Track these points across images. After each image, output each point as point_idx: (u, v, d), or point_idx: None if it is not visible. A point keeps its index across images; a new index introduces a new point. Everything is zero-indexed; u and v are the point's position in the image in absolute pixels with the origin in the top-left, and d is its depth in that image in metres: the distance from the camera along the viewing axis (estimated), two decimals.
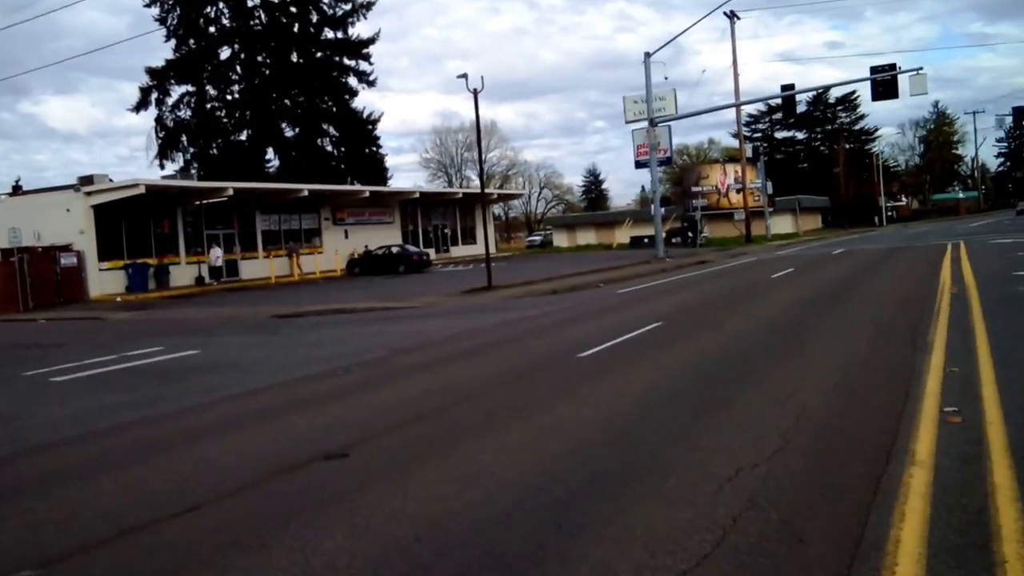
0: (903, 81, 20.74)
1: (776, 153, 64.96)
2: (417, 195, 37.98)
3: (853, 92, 63.76)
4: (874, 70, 21.20)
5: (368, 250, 31.00)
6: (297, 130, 42.74)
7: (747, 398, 5.34)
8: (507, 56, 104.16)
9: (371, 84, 44.17)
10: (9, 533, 3.72)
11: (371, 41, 43.26)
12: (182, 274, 26.70)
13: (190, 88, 41.00)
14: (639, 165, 28.71)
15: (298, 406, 6.33)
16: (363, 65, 43.55)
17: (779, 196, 48.25)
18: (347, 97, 43.68)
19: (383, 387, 6.91)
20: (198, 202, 27.65)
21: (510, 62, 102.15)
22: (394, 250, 29.99)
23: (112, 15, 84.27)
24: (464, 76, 17.39)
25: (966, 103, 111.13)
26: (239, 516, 3.71)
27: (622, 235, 45.09)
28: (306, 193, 30.08)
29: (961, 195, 74.78)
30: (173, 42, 40.32)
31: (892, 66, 20.98)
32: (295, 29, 41.82)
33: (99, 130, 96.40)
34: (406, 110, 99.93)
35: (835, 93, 62.76)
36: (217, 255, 26.79)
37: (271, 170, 42.43)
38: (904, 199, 77.14)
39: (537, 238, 59.66)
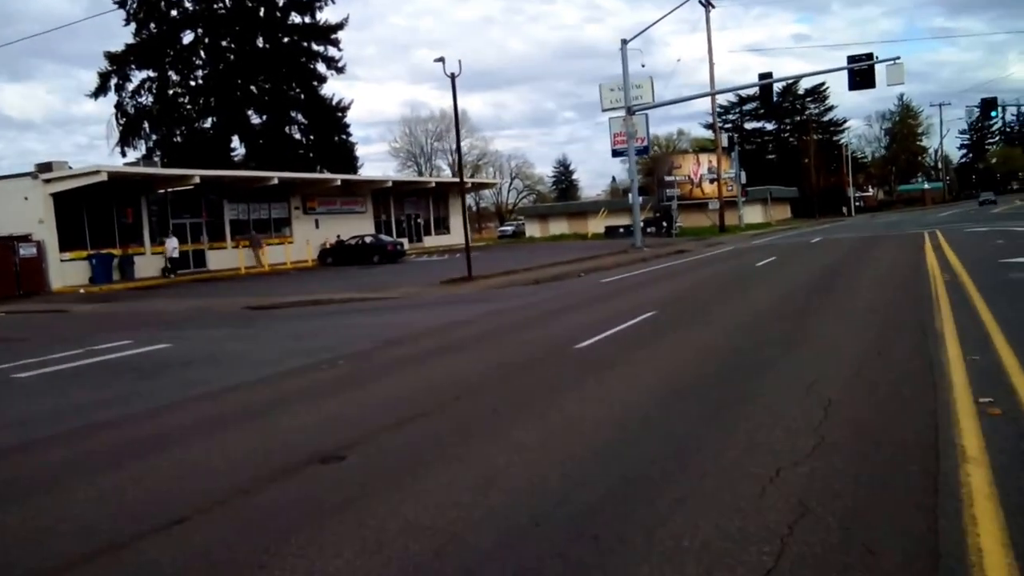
0: (880, 71, 20.98)
1: (746, 144, 65.81)
2: (390, 184, 37.17)
3: (822, 83, 64.96)
4: (851, 59, 21.38)
5: (340, 240, 30.24)
6: (264, 117, 41.40)
7: (766, 389, 5.11)
8: (476, 45, 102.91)
9: (340, 71, 43.01)
10: None
11: (339, 26, 42.06)
12: (148, 265, 25.56)
13: (151, 73, 39.38)
14: (616, 153, 28.55)
15: (284, 403, 5.87)
16: (331, 51, 42.36)
17: (749, 186, 48.88)
18: (315, 84, 42.46)
19: (373, 382, 6.50)
20: (163, 190, 26.44)
21: (479, 51, 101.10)
22: (368, 240, 29.31)
23: (68, 0, 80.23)
24: (441, 60, 16.88)
25: (929, 96, 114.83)
26: (232, 530, 3.29)
27: (596, 225, 45.08)
28: (276, 181, 29.09)
29: (927, 186, 76.75)
30: (133, 26, 38.63)
31: (869, 55, 21.16)
32: (261, 13, 40.35)
33: (56, 118, 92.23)
34: (373, 99, 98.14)
35: (804, 84, 63.75)
36: (173, 246, 25.21)
37: (237, 158, 41.07)
38: (871, 190, 79.19)
39: (509, 228, 59.26)
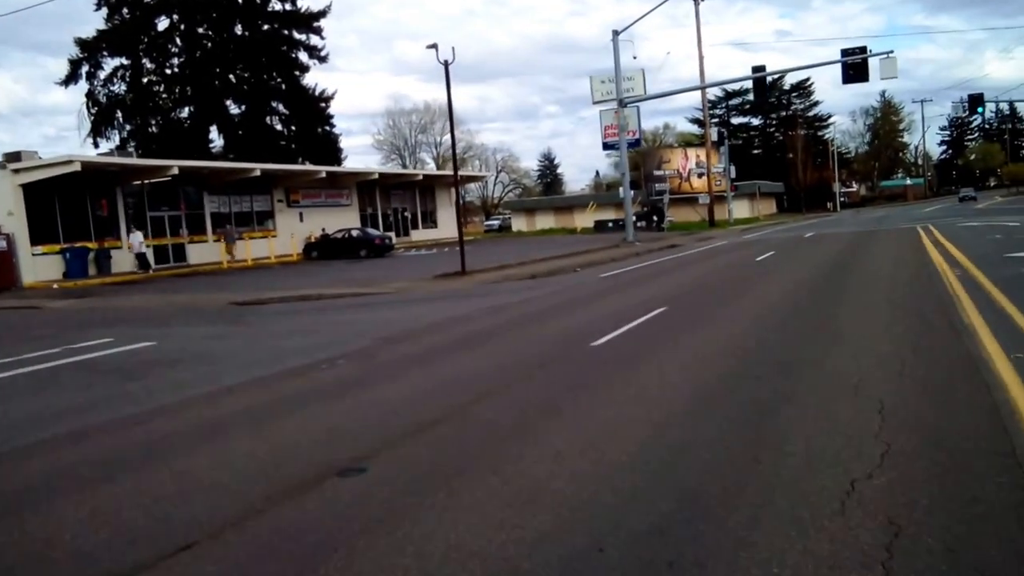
0: (873, 64, 20.98)
1: (732, 139, 66.25)
2: (376, 176, 36.53)
3: (807, 79, 65.54)
4: (845, 52, 21.35)
5: (326, 233, 29.64)
6: (243, 107, 40.39)
7: (808, 390, 4.86)
8: (459, 38, 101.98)
9: (323, 60, 42.08)
10: None
11: (322, 14, 41.09)
12: (125, 259, 24.70)
13: (124, 61, 38.16)
14: (607, 147, 28.29)
15: (287, 407, 5.48)
16: (314, 39, 41.43)
17: (736, 181, 49.10)
18: (297, 73, 41.50)
19: (380, 383, 6.12)
20: (139, 181, 25.56)
21: (462, 44, 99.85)
22: (355, 233, 28.76)
23: None
24: (434, 47, 16.42)
25: (909, 93, 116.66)
26: (249, 557, 2.93)
27: (584, 219, 44.85)
28: (258, 173, 28.34)
29: (908, 182, 77.92)
30: (104, 11, 37.35)
31: (863, 49, 21.15)
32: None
33: (23, 108, 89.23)
34: (354, 91, 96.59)
35: (790, 80, 64.22)
36: (139, 240, 24.02)
37: (215, 150, 40.05)
38: (854, 185, 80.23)
39: (495, 222, 58.75)
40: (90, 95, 38.19)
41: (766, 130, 69.85)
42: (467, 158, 70.57)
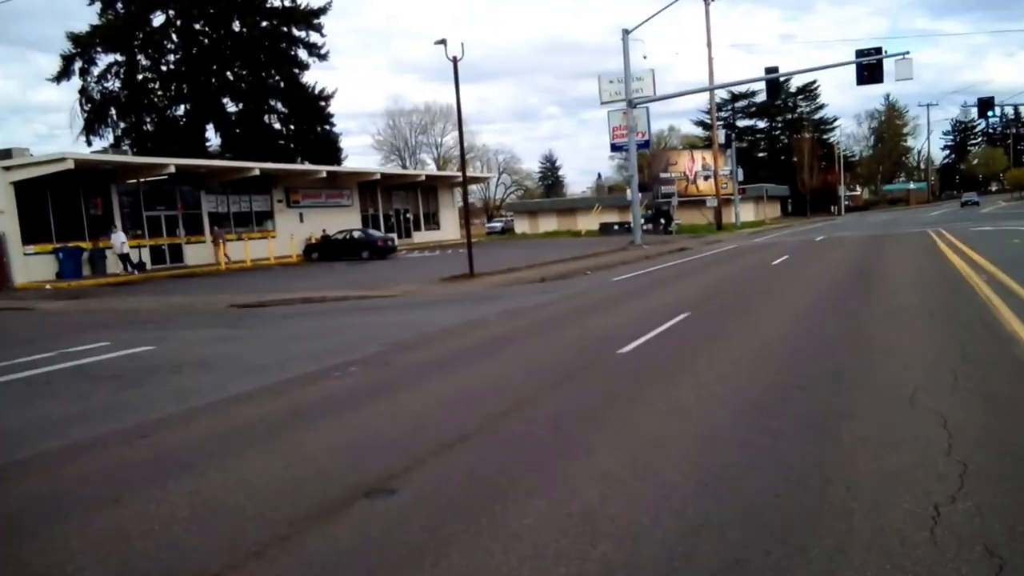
0: (888, 66, 20.82)
1: (738, 141, 66.08)
2: (378, 176, 36.27)
3: (813, 81, 65.20)
4: (859, 53, 21.20)
5: (327, 234, 29.38)
6: (241, 106, 40.06)
7: (861, 402, 4.63)
8: (458, 38, 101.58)
9: (322, 57, 41.78)
10: None
11: (322, 11, 40.79)
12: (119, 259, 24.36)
13: (119, 57, 37.77)
14: (615, 148, 28.07)
15: (302, 418, 5.22)
16: (313, 36, 41.13)
17: (743, 184, 48.87)
18: (296, 71, 41.20)
19: (398, 392, 5.86)
20: (135, 180, 25.26)
21: (452, 47, 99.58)
22: (356, 235, 28.51)
23: None
24: (443, 42, 16.19)
25: (912, 97, 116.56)
26: None
27: (589, 222, 44.67)
28: (257, 172, 28.06)
29: (912, 186, 77.65)
30: (98, 6, 36.99)
31: (878, 50, 21.00)
32: None
33: (12, 106, 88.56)
34: (353, 91, 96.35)
35: (795, 82, 64.02)
36: (121, 240, 23.09)
37: (211, 148, 39.72)
38: (858, 189, 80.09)
39: (497, 224, 58.52)
40: (83, 92, 37.81)
41: (771, 133, 69.53)
42: (469, 159, 70.29)
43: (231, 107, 40.39)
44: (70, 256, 22.55)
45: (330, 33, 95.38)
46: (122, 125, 38.49)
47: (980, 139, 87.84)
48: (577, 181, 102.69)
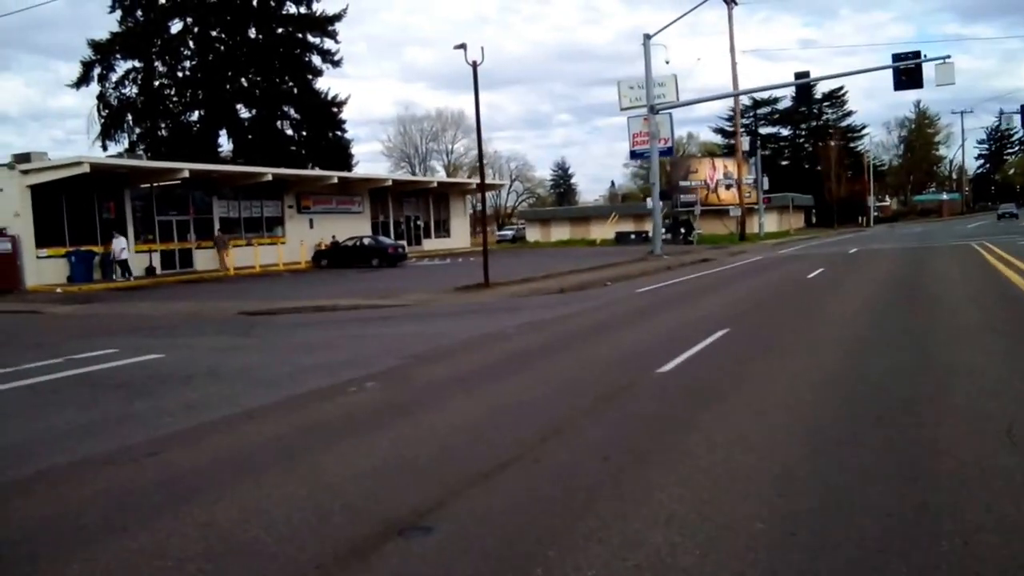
0: (928, 70, 20.17)
1: (760, 150, 65.30)
2: (389, 183, 36.26)
3: (840, 88, 63.74)
4: (896, 58, 20.64)
5: (336, 241, 29.30)
6: (254, 112, 40.41)
7: (948, 434, 4.20)
8: (469, 45, 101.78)
9: (336, 64, 42.04)
10: None
11: (337, 17, 41.12)
12: (131, 263, 24.39)
13: (137, 64, 38.39)
14: (635, 155, 27.76)
15: (321, 438, 4.89)
16: (328, 43, 41.44)
17: (767, 193, 48.03)
18: (310, 77, 41.49)
19: (422, 411, 5.51)
20: (148, 184, 25.34)
21: (473, 51, 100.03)
22: (366, 241, 28.38)
23: None
24: (463, 47, 16.00)
25: (944, 104, 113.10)
26: None
27: (604, 231, 44.25)
28: (269, 177, 28.08)
29: (945, 196, 75.13)
30: (118, 14, 37.66)
31: (916, 54, 20.47)
32: (254, 2, 39.44)
33: (33, 111, 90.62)
34: (362, 97, 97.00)
35: (822, 88, 63.01)
36: (122, 246, 22.63)
37: (223, 154, 40.03)
38: (887, 199, 78.35)
39: (508, 232, 58.16)
40: (101, 97, 38.40)
41: (795, 140, 67.83)
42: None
43: (244, 113, 40.76)
44: (82, 260, 22.59)
45: (342, 40, 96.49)
46: (137, 130, 38.98)
47: (1017, 148, 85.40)
48: (589, 189, 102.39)
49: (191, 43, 39.38)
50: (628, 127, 27.71)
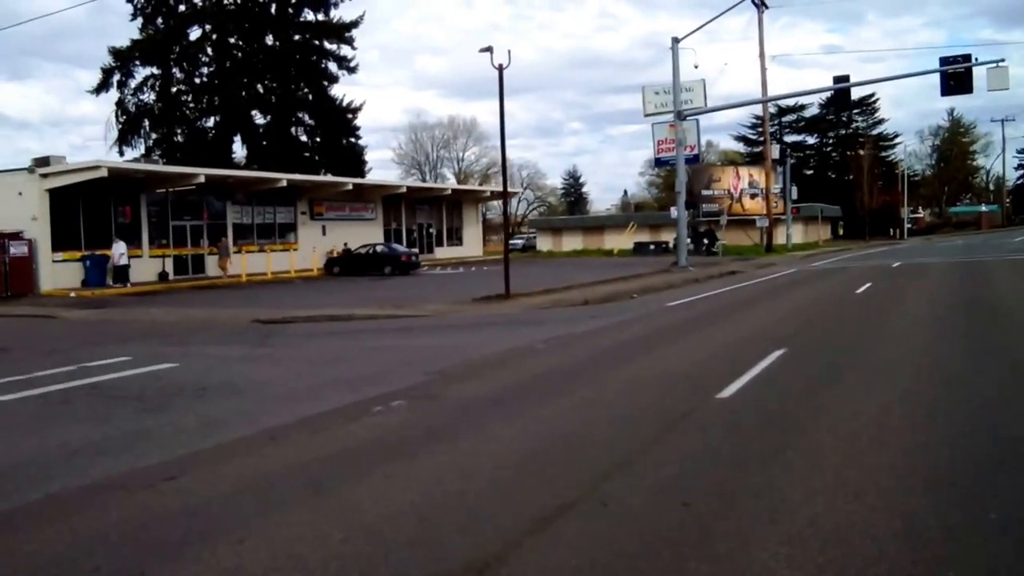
0: (979, 74, 19.12)
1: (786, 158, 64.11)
2: (403, 190, 36.25)
3: (871, 95, 61.47)
4: (944, 61, 19.71)
5: (348, 248, 29.23)
6: (269, 118, 40.75)
7: None
8: (480, 52, 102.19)
9: (352, 70, 42.36)
10: None
11: (354, 24, 41.44)
12: (144, 268, 24.45)
13: (155, 70, 39.01)
14: (660, 163, 27.40)
15: (350, 466, 4.55)
16: (344, 50, 41.74)
17: (795, 203, 46.98)
18: (325, 84, 41.80)
19: (459, 437, 5.12)
20: (164, 189, 25.44)
21: (483, 59, 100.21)
22: (379, 249, 28.26)
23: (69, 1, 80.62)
24: (488, 50, 15.82)
25: (979, 112, 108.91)
26: None
27: (621, 241, 43.74)
28: (284, 183, 28.14)
29: (984, 208, 72.31)
30: (139, 21, 38.35)
31: (967, 57, 19.52)
32: (272, 10, 39.87)
33: (52, 118, 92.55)
34: (373, 105, 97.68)
35: (852, 95, 61.24)
36: (121, 252, 22.19)
37: (237, 160, 40.38)
38: (921, 211, 76.26)
39: (519, 241, 57.76)
40: (120, 104, 39.04)
41: (822, 149, 65.84)
42: (491, 174, 70.43)
43: (259, 119, 41.12)
44: (96, 264, 22.61)
45: (357, 47, 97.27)
46: (154, 136, 39.49)
47: None
48: (601, 199, 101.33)
49: (209, 50, 39.86)
50: (652, 134, 27.35)
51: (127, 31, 60.31)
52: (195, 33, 39.55)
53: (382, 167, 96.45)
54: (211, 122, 40.64)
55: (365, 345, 10.33)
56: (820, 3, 78.79)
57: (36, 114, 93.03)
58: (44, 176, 21.83)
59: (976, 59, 19.54)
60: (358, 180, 34.82)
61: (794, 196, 42.03)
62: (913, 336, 9.23)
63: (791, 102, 59.88)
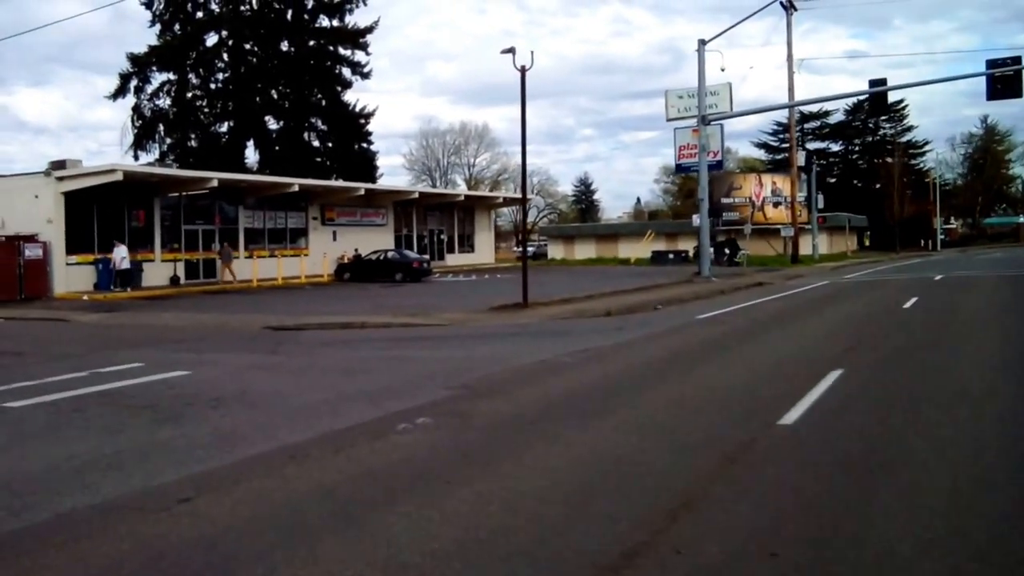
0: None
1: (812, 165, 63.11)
2: (416, 195, 36.23)
3: (900, 100, 60.03)
4: (991, 64, 19.04)
5: (359, 254, 29.14)
6: (282, 123, 41.03)
7: None
8: (492, 58, 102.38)
9: (366, 76, 42.64)
10: None
11: (369, 30, 41.68)
12: (156, 273, 24.49)
13: (172, 76, 39.51)
14: (681, 169, 27.05)
15: (380, 492, 4.21)
16: (358, 55, 41.99)
17: (821, 212, 46.06)
18: (339, 89, 42.02)
19: (497, 462, 4.74)
20: (177, 193, 25.52)
21: (495, 65, 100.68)
22: (390, 255, 28.14)
23: (89, 5, 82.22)
24: (511, 51, 15.62)
25: (1013, 119, 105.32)
26: None
27: (636, 250, 43.28)
28: (296, 188, 28.14)
29: (1021, 219, 70.40)
30: (157, 28, 38.87)
31: (1016, 59, 18.71)
32: (288, 16, 40.20)
33: (70, 124, 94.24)
34: (383, 111, 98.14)
35: (868, 104, 60.40)
36: (122, 255, 21.72)
37: (249, 164, 40.65)
38: (953, 221, 74.52)
39: (529, 249, 57.41)
40: (136, 109, 39.52)
41: (847, 157, 64.40)
42: (502, 181, 70.38)
43: (272, 124, 41.41)
44: (108, 268, 22.65)
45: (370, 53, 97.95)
46: (168, 141, 39.86)
47: None
48: (612, 206, 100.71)
49: (225, 56, 40.27)
50: (674, 139, 27.01)
51: (145, 37, 61.49)
52: (212, 39, 40.04)
53: (392, 173, 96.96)
54: (225, 127, 41.00)
55: (381, 355, 10.07)
56: (845, 6, 77.80)
57: (54, 119, 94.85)
58: (60, 179, 21.94)
59: None
60: (370, 185, 34.81)
61: (820, 205, 41.30)
62: (984, 356, 8.72)
63: (815, 108, 59.05)
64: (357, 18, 41.90)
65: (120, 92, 38.87)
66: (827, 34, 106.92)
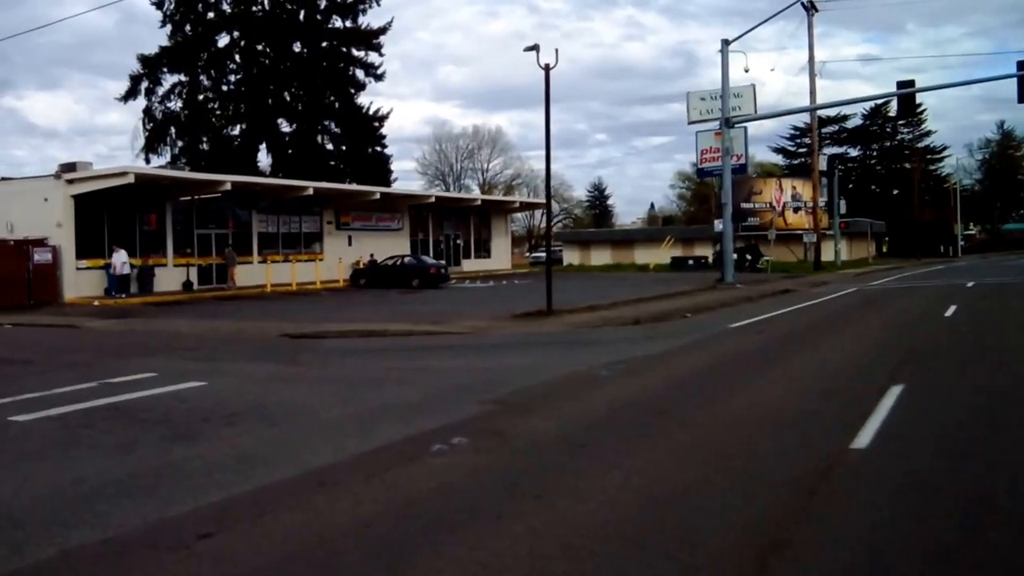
0: None
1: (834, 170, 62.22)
2: (432, 200, 35.89)
3: (919, 105, 60.11)
4: (1021, 66, 18.88)
5: (374, 260, 28.87)
6: (294, 126, 40.91)
7: None
8: (504, 62, 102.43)
9: (379, 78, 42.52)
10: None
11: (383, 31, 41.55)
12: (168, 277, 24.29)
13: (183, 78, 39.54)
14: (703, 173, 26.53)
15: (422, 528, 3.75)
16: (372, 57, 41.85)
17: (843, 217, 45.35)
18: (352, 91, 41.88)
19: (547, 491, 4.28)
20: (189, 197, 25.33)
21: (507, 69, 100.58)
22: (407, 261, 27.88)
23: (98, 6, 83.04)
24: (534, 48, 15.26)
25: None
26: None
27: (655, 256, 42.72)
28: (311, 192, 27.89)
29: None
30: (168, 29, 38.91)
31: None
32: (300, 16, 40.15)
33: (80, 127, 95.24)
34: (394, 115, 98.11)
35: (895, 105, 59.61)
36: (122, 260, 21.30)
37: (262, 168, 40.55)
38: (972, 227, 73.71)
39: (542, 254, 57.01)
40: (147, 111, 39.57)
41: (866, 162, 63.76)
42: (515, 185, 70.11)
43: (285, 127, 41.30)
44: (109, 273, 22.48)
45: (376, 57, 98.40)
46: (179, 144, 39.84)
47: None
48: (626, 211, 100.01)
49: (237, 57, 40.24)
50: (696, 142, 26.49)
51: (156, 40, 61.92)
52: (223, 40, 40.01)
53: (404, 178, 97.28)
54: (237, 130, 40.95)
55: (405, 365, 9.68)
56: (857, 9, 77.05)
57: (64, 123, 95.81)
58: (70, 182, 21.82)
59: None
60: (385, 189, 34.61)
61: (843, 210, 40.59)
62: None
63: (833, 112, 58.44)
64: (370, 19, 41.83)
65: (131, 94, 38.94)
66: (839, 39, 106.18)
